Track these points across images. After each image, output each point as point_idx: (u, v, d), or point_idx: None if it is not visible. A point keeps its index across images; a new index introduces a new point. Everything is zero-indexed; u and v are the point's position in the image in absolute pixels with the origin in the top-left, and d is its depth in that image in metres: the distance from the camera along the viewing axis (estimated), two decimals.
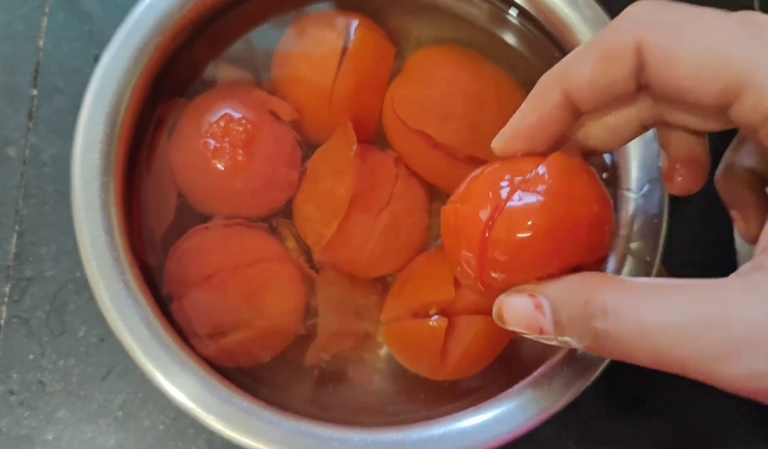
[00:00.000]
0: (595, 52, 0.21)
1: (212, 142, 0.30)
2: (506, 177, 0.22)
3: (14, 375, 0.34)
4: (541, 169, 0.21)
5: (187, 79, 0.33)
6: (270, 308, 0.31)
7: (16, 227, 0.36)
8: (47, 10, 0.38)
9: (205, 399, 0.27)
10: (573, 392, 0.27)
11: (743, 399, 0.19)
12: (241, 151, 0.30)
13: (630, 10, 0.21)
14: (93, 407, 0.34)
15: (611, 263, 0.29)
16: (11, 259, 0.36)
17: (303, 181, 0.32)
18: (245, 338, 0.30)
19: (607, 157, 0.32)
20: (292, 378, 0.31)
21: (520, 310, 0.22)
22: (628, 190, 0.30)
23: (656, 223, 0.29)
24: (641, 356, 0.19)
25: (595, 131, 0.24)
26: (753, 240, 0.26)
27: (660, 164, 0.29)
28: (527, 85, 0.32)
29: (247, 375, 0.30)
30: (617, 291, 0.20)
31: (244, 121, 0.31)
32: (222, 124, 0.30)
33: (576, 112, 0.22)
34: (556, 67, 0.22)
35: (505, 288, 0.22)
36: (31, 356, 0.35)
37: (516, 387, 0.27)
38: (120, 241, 0.28)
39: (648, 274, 0.28)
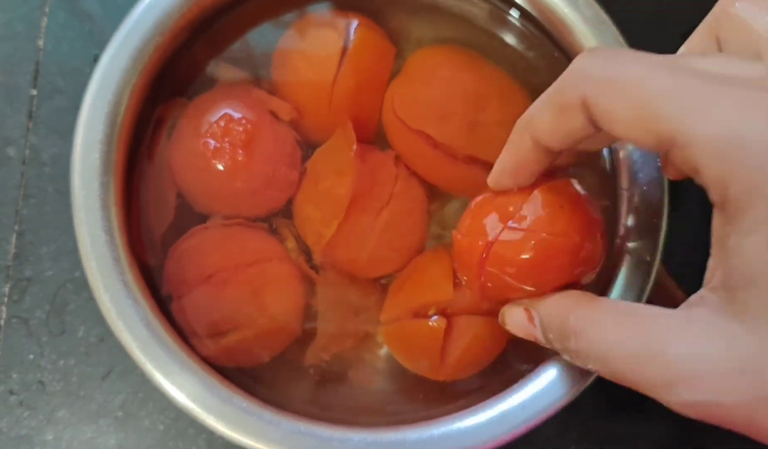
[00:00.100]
0: (550, 105, 0.22)
1: (212, 142, 0.30)
2: (498, 211, 0.26)
3: (14, 375, 0.34)
4: (525, 209, 0.25)
5: (187, 79, 0.33)
6: (270, 308, 0.31)
7: (16, 227, 0.36)
8: (47, 10, 0.38)
9: (205, 399, 0.27)
10: (573, 392, 0.27)
11: None
12: (240, 151, 0.30)
13: (575, 64, 0.22)
14: (93, 407, 0.34)
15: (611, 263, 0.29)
16: (11, 259, 0.36)
17: (303, 181, 0.32)
18: (245, 338, 0.30)
19: (606, 155, 0.32)
20: (291, 378, 0.31)
21: (517, 322, 0.25)
22: (628, 189, 0.30)
23: (656, 223, 0.29)
24: (607, 375, 0.21)
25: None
26: None
27: (659, 163, 0.29)
28: (527, 85, 0.33)
29: (246, 375, 0.30)
30: (585, 316, 0.22)
31: (243, 121, 0.31)
32: (222, 124, 0.30)
33: (550, 151, 0.24)
34: (525, 115, 0.24)
35: (505, 302, 0.26)
36: (31, 356, 0.35)
37: (515, 387, 0.27)
38: (120, 241, 0.28)
39: (648, 274, 0.28)
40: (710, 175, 0.18)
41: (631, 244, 0.29)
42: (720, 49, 0.23)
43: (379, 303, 0.32)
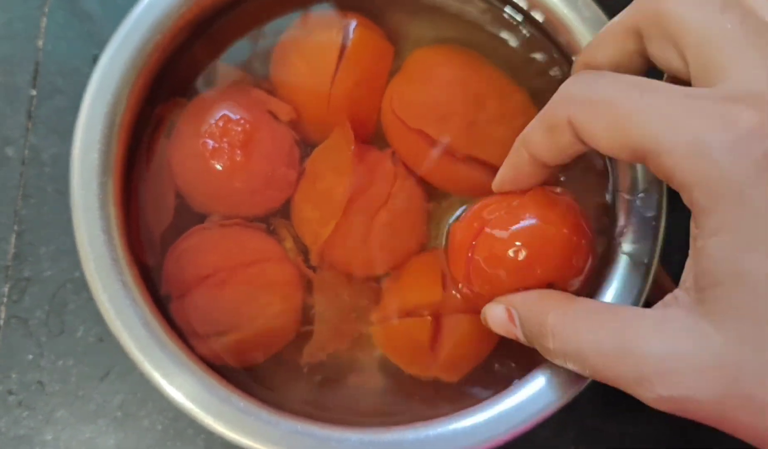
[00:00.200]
0: (542, 124, 0.24)
1: (211, 142, 0.30)
2: (493, 205, 0.27)
3: (13, 376, 0.34)
4: (517, 202, 0.26)
5: (187, 79, 0.33)
6: (268, 308, 0.31)
7: (15, 227, 0.36)
8: (47, 10, 0.38)
9: (204, 399, 0.27)
10: (571, 392, 0.27)
11: None
12: (239, 151, 0.30)
13: (562, 87, 0.24)
14: (92, 407, 0.34)
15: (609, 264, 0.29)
16: (10, 259, 0.36)
17: (301, 181, 0.32)
18: (243, 338, 0.30)
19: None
20: (289, 378, 0.31)
21: (498, 319, 0.26)
22: (625, 192, 0.30)
23: (654, 225, 0.29)
24: (587, 374, 0.22)
25: None
26: None
27: None
28: (526, 85, 0.33)
29: (245, 375, 0.30)
30: (563, 315, 0.23)
31: (242, 121, 0.31)
32: (221, 124, 0.30)
33: (546, 166, 0.25)
34: (523, 132, 0.25)
35: (490, 298, 0.27)
36: (30, 356, 0.35)
37: (513, 387, 0.27)
38: (119, 241, 0.28)
39: (646, 276, 0.28)
40: (679, 181, 0.20)
41: (629, 246, 0.29)
42: (642, 43, 0.23)
43: (376, 303, 0.32)
